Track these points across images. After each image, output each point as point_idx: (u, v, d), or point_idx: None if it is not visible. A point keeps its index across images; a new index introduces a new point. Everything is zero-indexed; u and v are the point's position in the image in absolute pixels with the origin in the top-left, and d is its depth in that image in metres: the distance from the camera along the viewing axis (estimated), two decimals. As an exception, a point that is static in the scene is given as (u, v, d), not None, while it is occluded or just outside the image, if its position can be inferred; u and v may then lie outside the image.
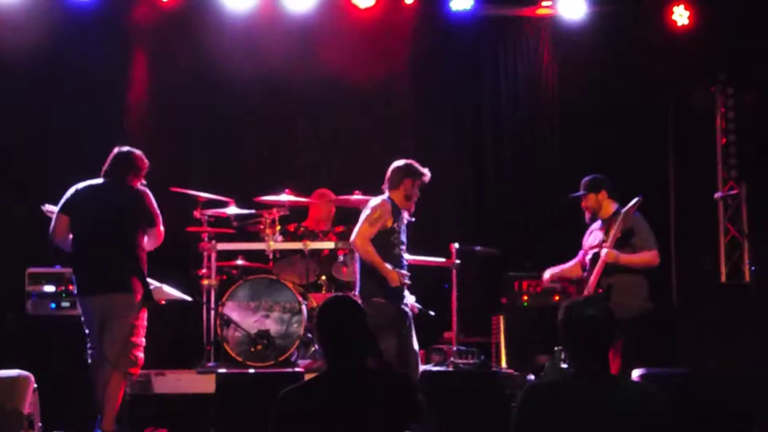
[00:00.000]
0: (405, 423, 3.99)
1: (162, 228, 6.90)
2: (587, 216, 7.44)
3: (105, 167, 6.87)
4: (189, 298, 7.93)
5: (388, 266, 6.84)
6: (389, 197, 7.10)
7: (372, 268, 6.87)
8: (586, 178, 7.41)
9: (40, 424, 6.40)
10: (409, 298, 7.15)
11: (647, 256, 7.13)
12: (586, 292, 7.04)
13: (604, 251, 7.07)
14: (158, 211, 6.87)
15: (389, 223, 7.03)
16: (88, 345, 6.74)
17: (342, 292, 8.30)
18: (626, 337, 6.82)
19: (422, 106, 10.04)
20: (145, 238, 6.84)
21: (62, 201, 6.79)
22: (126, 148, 6.92)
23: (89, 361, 6.72)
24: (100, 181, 6.85)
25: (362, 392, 3.94)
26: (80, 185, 6.83)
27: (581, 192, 7.39)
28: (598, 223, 7.38)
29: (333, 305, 4.16)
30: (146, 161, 6.94)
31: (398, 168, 7.19)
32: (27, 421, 6.14)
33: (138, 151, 6.94)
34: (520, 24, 10.16)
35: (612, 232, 7.07)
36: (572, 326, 3.95)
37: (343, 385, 3.95)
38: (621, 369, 6.60)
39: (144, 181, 6.95)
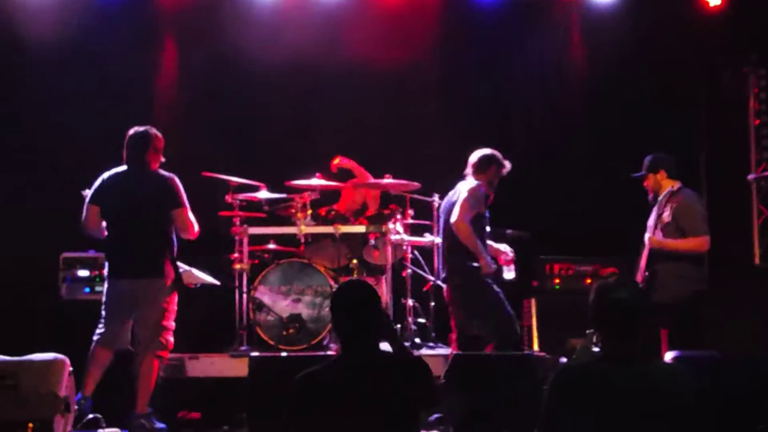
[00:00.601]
0: (420, 408, 3.98)
1: (191, 214, 6.97)
2: (650, 196, 7.42)
3: (125, 152, 6.96)
4: (217, 282, 8.00)
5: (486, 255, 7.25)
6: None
7: (468, 249, 7.21)
8: (648, 157, 7.39)
9: (75, 407, 6.47)
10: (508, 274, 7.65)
11: (693, 242, 7.09)
12: (638, 277, 7.05)
13: (647, 237, 7.09)
14: (185, 196, 6.96)
15: (482, 208, 7.35)
16: (100, 326, 6.84)
17: (374, 276, 8.34)
18: (672, 321, 6.83)
19: (449, 90, 10.02)
20: (174, 224, 6.93)
21: (91, 191, 6.89)
22: (142, 128, 7.00)
23: (94, 339, 6.81)
24: (124, 168, 6.94)
25: (378, 377, 3.93)
26: (106, 174, 6.94)
27: (642, 172, 7.37)
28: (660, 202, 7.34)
29: (349, 290, 4.16)
30: (162, 138, 7.03)
31: (485, 155, 7.50)
32: (63, 404, 6.21)
33: (153, 129, 7.04)
34: (549, 7, 10.10)
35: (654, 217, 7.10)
36: (602, 309, 3.95)
37: (359, 370, 3.95)
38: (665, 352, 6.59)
39: (163, 159, 7.03)
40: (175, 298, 6.90)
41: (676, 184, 7.26)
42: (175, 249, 6.94)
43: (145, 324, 6.81)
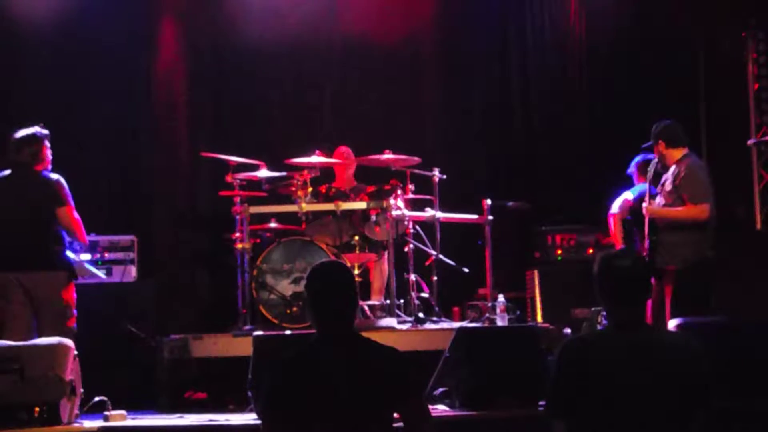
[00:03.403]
0: (394, 397, 3.89)
1: (75, 214, 6.94)
2: (659, 165, 7.41)
3: (11, 154, 6.97)
4: (104, 277, 8.00)
5: None
6: None
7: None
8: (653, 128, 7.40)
9: (81, 390, 6.48)
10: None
11: (691, 211, 7.05)
12: (646, 244, 7.08)
13: (644, 206, 7.10)
14: (69, 196, 6.93)
15: None
16: None
17: (376, 252, 8.33)
18: (676, 287, 6.85)
19: (448, 64, 9.99)
20: (59, 223, 6.93)
21: None
22: (29, 130, 7.00)
23: None
24: (9, 171, 6.96)
25: (352, 364, 3.88)
26: None
27: (649, 143, 7.38)
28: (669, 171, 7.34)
29: (331, 270, 4.09)
30: (46, 138, 7.04)
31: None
32: (69, 387, 6.22)
33: (41, 130, 7.03)
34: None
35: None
36: (607, 278, 3.96)
37: (334, 356, 3.90)
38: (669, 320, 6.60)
39: (49, 165, 7.05)
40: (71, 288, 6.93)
41: (680, 152, 7.23)
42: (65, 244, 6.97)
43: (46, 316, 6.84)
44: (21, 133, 7.01)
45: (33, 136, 7.00)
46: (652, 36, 9.53)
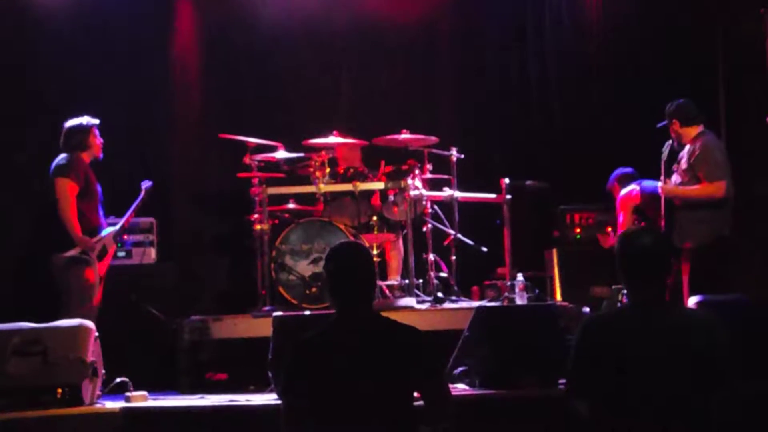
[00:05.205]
0: (415, 376, 3.91)
1: (68, 188, 7.07)
2: (675, 143, 7.38)
3: (61, 144, 7.27)
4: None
5: None
6: None
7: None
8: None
9: (103, 371, 6.52)
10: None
11: (708, 189, 7.03)
12: (662, 222, 7.05)
13: (659, 185, 7.08)
14: (71, 171, 7.09)
15: None
16: None
17: (395, 232, 8.34)
18: (693, 266, 6.83)
19: (466, 39, 9.94)
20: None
21: None
22: (79, 120, 7.24)
23: None
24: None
25: (372, 344, 3.91)
26: None
27: (664, 122, 7.36)
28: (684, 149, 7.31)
29: (349, 251, 4.12)
30: (93, 129, 7.27)
31: None
32: (90, 368, 6.27)
33: (86, 121, 7.26)
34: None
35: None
36: (628, 255, 3.95)
37: (353, 336, 3.92)
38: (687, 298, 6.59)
39: (98, 152, 7.30)
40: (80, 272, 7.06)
41: (695, 130, 7.20)
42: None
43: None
44: (70, 122, 7.24)
45: (79, 126, 7.23)
46: (671, 13, 9.44)
